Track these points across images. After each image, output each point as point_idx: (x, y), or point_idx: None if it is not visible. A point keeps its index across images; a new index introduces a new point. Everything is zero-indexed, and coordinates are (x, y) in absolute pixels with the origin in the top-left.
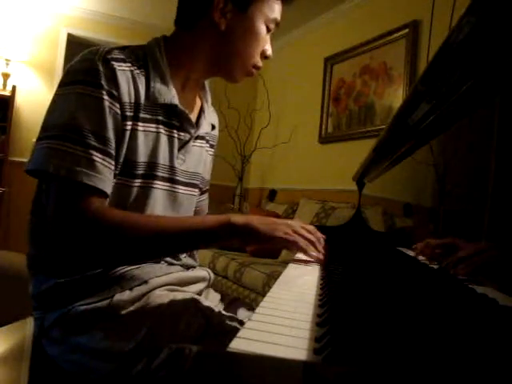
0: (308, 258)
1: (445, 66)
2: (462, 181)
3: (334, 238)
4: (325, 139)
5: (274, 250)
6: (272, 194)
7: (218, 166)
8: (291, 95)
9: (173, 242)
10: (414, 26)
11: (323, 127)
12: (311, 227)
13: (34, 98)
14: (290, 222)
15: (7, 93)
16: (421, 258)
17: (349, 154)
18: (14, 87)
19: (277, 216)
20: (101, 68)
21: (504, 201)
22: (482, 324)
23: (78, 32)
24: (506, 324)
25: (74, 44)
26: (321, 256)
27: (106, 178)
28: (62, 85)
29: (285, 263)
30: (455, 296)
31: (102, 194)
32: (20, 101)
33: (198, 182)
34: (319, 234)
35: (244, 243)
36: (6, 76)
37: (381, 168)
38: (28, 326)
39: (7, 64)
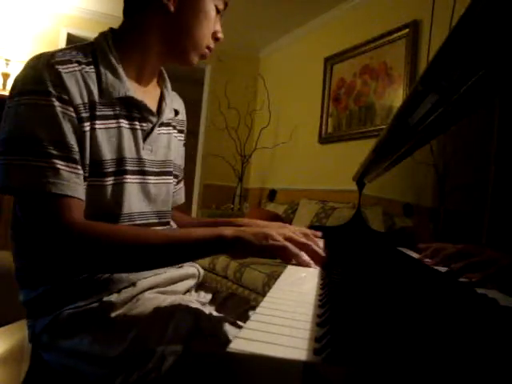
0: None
1: (445, 65)
2: (462, 181)
3: (334, 238)
4: (325, 139)
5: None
6: (272, 194)
7: (218, 166)
8: (291, 95)
9: (159, 255)
10: (414, 26)
11: (323, 127)
12: (307, 230)
13: None
14: (285, 228)
15: (7, 93)
16: (426, 260)
17: (349, 154)
18: None
19: (277, 216)
20: (46, 74)
21: (504, 201)
22: (482, 324)
23: (78, 32)
24: (507, 324)
25: (74, 44)
26: (312, 263)
27: (74, 183)
28: (10, 97)
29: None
30: (455, 296)
31: (74, 199)
32: None
33: (170, 169)
34: (315, 248)
35: (235, 256)
36: (5, 76)
37: (381, 168)
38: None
39: (7, 64)
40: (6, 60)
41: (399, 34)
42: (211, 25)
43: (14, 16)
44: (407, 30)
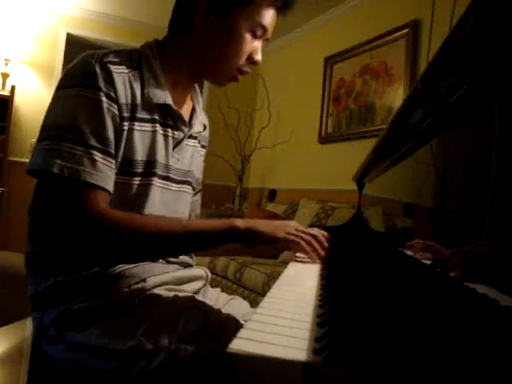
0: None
1: (445, 65)
2: (462, 181)
3: (334, 238)
4: (325, 139)
5: (275, 251)
6: (272, 194)
7: (218, 166)
8: (291, 95)
9: (176, 243)
10: (414, 25)
11: (323, 127)
12: (314, 230)
13: (34, 97)
14: (291, 222)
15: (6, 93)
16: (418, 256)
17: (349, 154)
18: (13, 87)
19: (276, 217)
20: (98, 71)
21: (504, 201)
22: (483, 325)
23: (78, 32)
24: (507, 325)
25: (74, 44)
26: (318, 257)
27: (107, 176)
28: (60, 88)
29: (285, 263)
30: (455, 296)
31: (105, 191)
32: (19, 101)
33: (191, 180)
34: (321, 238)
35: (247, 246)
36: (5, 76)
37: (381, 168)
38: (28, 326)
39: (6, 64)
40: (6, 60)
41: (399, 33)
42: (243, 49)
43: (14, 16)
44: (407, 29)
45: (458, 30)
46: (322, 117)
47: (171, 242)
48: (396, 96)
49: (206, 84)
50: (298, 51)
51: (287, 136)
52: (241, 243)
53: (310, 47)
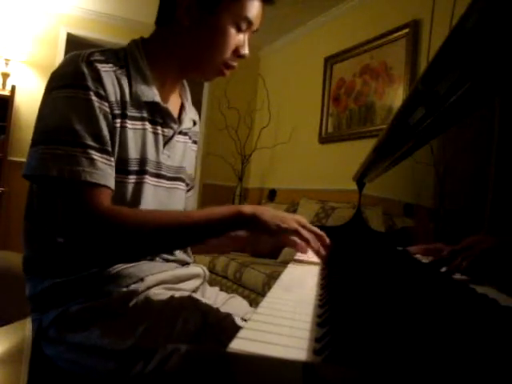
0: (308, 258)
1: (445, 65)
2: (462, 181)
3: (334, 238)
4: (325, 139)
5: (274, 249)
6: (272, 194)
7: (218, 166)
8: (291, 95)
9: (185, 233)
10: (414, 25)
11: (323, 127)
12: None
13: (34, 97)
14: (297, 216)
15: (7, 92)
16: (420, 257)
17: (349, 154)
18: (13, 87)
19: None
20: (85, 70)
21: (504, 201)
22: (483, 325)
23: (78, 31)
24: (507, 325)
25: (74, 43)
26: (322, 252)
27: (107, 173)
28: (49, 90)
29: (285, 263)
30: (456, 296)
31: (107, 188)
32: (19, 100)
33: (183, 176)
34: (324, 237)
35: (251, 233)
36: (5, 76)
37: (381, 168)
38: (27, 326)
39: (7, 64)
40: (6, 60)
41: (399, 33)
42: (227, 43)
43: (14, 16)
44: (407, 29)
45: (458, 30)
46: (322, 117)
47: (180, 233)
48: (396, 96)
49: (206, 84)
50: (298, 51)
51: (287, 136)
52: (246, 229)
53: (310, 47)
